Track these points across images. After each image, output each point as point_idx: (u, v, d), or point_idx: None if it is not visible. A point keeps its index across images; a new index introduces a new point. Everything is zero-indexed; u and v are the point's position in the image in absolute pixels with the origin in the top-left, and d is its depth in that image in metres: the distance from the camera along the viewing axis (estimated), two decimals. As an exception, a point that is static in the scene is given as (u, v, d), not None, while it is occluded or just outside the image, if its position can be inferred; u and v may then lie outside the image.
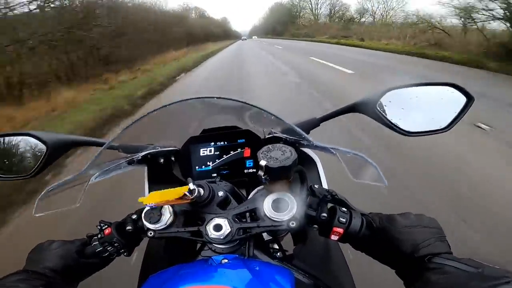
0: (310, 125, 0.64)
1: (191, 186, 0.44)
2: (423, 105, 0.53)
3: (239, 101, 0.56)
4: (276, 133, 0.59)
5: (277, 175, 0.41)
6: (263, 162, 0.39)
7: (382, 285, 0.97)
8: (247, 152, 0.67)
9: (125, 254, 0.51)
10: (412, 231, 0.41)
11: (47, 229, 1.58)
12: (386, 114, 0.53)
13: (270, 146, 0.42)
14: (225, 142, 0.69)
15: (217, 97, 0.55)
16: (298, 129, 0.53)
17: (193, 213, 0.48)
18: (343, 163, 0.43)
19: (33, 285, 0.42)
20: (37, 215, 0.46)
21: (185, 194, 0.42)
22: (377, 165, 0.41)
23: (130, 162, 0.58)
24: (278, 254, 0.72)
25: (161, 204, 0.43)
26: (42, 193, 0.46)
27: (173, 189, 0.42)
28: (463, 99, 0.53)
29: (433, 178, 2.18)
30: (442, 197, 1.95)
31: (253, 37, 74.87)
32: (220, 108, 0.65)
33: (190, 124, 0.72)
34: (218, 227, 0.44)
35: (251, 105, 0.56)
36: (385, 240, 0.42)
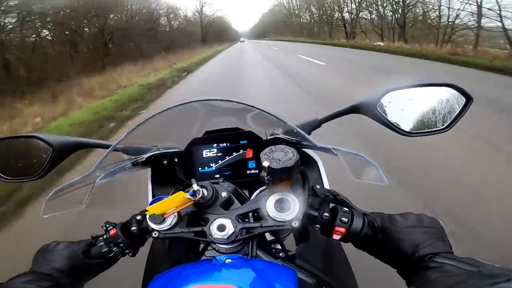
0: (311, 126, 0.65)
1: (195, 187, 0.45)
2: (423, 105, 0.54)
3: (242, 103, 0.56)
4: (278, 134, 0.60)
5: (280, 176, 0.41)
6: (265, 163, 0.40)
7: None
8: (249, 153, 0.68)
9: (130, 254, 0.52)
10: (413, 232, 0.41)
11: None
12: (386, 115, 0.54)
13: (272, 147, 0.43)
14: (228, 144, 0.69)
15: (221, 99, 0.56)
16: (300, 130, 0.53)
17: (197, 214, 0.48)
18: (344, 163, 0.44)
19: (41, 286, 0.42)
20: (45, 216, 0.46)
21: (189, 197, 0.43)
22: (378, 165, 0.41)
23: (135, 164, 0.59)
24: (281, 254, 0.72)
25: (170, 213, 0.44)
26: (50, 194, 0.47)
27: (172, 196, 0.42)
28: (462, 99, 0.53)
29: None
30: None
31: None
32: (222, 110, 0.65)
33: (193, 126, 0.72)
34: (221, 227, 0.45)
35: (254, 107, 0.57)
36: (386, 240, 0.42)
